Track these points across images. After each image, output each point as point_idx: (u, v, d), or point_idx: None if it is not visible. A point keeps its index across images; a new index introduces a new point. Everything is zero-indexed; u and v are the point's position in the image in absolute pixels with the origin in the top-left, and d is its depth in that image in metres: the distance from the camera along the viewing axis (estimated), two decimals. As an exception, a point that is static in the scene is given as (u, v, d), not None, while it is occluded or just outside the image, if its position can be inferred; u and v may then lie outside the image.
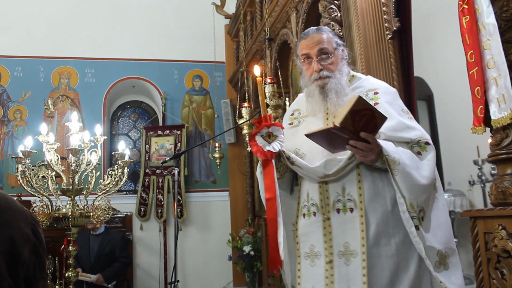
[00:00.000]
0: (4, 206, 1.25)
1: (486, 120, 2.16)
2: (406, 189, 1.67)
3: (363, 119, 1.62)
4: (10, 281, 1.21)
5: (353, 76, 1.99)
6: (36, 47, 6.94)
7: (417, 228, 1.66)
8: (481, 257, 2.17)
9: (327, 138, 1.69)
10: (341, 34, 3.49)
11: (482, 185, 4.76)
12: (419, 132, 1.83)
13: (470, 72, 2.19)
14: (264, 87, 4.50)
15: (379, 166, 1.73)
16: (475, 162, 4.76)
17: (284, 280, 1.99)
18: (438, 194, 1.81)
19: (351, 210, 1.75)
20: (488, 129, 2.20)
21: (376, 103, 1.80)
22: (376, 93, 1.89)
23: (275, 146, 1.77)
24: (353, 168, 1.77)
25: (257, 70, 1.88)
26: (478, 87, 2.15)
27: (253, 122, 1.74)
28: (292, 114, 2.07)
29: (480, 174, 4.75)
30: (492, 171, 4.35)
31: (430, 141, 1.81)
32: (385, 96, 1.88)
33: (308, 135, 1.70)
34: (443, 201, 1.83)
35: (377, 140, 1.68)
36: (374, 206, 1.75)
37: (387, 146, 1.69)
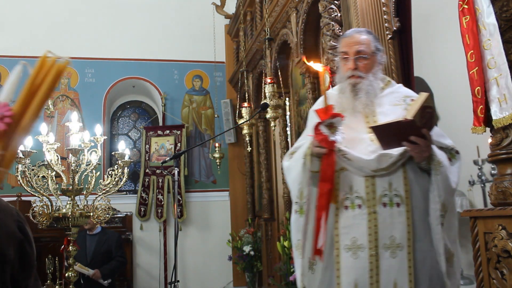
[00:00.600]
0: None
1: (486, 120, 2.16)
2: (443, 189, 1.80)
3: (426, 117, 1.71)
4: None
5: (389, 81, 2.09)
6: (36, 47, 6.92)
7: (442, 225, 1.81)
8: (481, 257, 2.16)
9: (390, 132, 1.76)
10: (341, 34, 3.49)
11: (482, 185, 4.75)
12: (451, 141, 1.97)
13: (471, 72, 2.19)
14: (264, 87, 4.50)
15: (422, 165, 1.84)
16: (475, 162, 4.75)
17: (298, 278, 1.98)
18: (454, 199, 1.96)
19: (398, 205, 1.83)
20: (488, 129, 2.20)
21: None
22: (412, 99, 1.96)
23: (337, 137, 1.80)
24: (400, 165, 1.85)
25: (317, 66, 1.96)
26: (478, 87, 2.15)
27: (316, 111, 1.81)
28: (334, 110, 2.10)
29: (480, 174, 4.74)
30: (492, 171, 4.34)
31: (459, 151, 1.97)
32: None
33: (373, 127, 1.78)
34: (455, 205, 1.98)
35: None
36: (416, 203, 1.85)
37: (435, 149, 1.82)
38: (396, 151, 1.82)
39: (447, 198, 1.82)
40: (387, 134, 1.78)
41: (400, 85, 2.14)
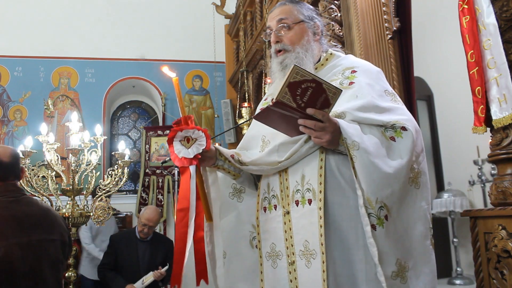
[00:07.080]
0: (53, 212, 2.33)
1: (487, 120, 2.16)
2: (364, 179, 1.40)
3: (307, 93, 1.39)
4: (63, 258, 2.27)
5: (331, 54, 1.74)
6: (36, 47, 6.94)
7: (373, 227, 1.38)
8: (481, 257, 2.17)
9: (279, 120, 1.47)
10: (341, 34, 3.50)
11: (482, 185, 4.76)
12: (397, 116, 1.53)
13: (471, 72, 2.19)
14: (265, 87, 4.50)
15: (342, 150, 1.47)
16: (475, 162, 4.75)
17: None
18: (420, 191, 1.52)
19: (310, 202, 1.48)
20: (488, 129, 2.20)
21: (351, 82, 1.60)
22: (353, 71, 1.65)
23: (190, 151, 1.54)
24: (314, 153, 1.50)
25: (167, 71, 1.76)
26: (478, 87, 2.15)
27: (172, 125, 1.58)
28: (266, 99, 1.85)
29: (480, 174, 4.75)
30: (492, 171, 4.34)
31: (409, 127, 1.50)
32: (364, 75, 1.63)
33: (256, 119, 1.51)
34: (423, 200, 1.53)
35: (334, 119, 1.44)
36: (337, 199, 1.46)
37: (348, 128, 1.43)
38: (300, 138, 1.50)
39: (375, 191, 1.40)
40: (277, 123, 1.50)
41: (348, 56, 1.77)
